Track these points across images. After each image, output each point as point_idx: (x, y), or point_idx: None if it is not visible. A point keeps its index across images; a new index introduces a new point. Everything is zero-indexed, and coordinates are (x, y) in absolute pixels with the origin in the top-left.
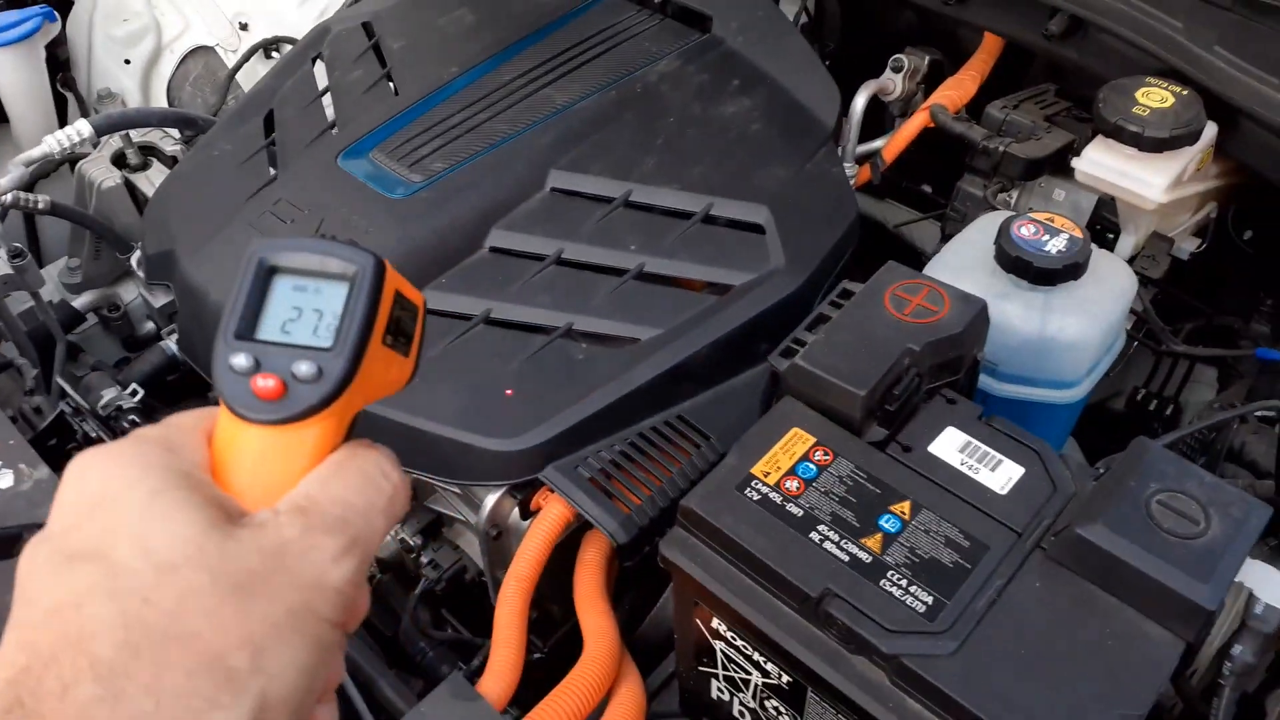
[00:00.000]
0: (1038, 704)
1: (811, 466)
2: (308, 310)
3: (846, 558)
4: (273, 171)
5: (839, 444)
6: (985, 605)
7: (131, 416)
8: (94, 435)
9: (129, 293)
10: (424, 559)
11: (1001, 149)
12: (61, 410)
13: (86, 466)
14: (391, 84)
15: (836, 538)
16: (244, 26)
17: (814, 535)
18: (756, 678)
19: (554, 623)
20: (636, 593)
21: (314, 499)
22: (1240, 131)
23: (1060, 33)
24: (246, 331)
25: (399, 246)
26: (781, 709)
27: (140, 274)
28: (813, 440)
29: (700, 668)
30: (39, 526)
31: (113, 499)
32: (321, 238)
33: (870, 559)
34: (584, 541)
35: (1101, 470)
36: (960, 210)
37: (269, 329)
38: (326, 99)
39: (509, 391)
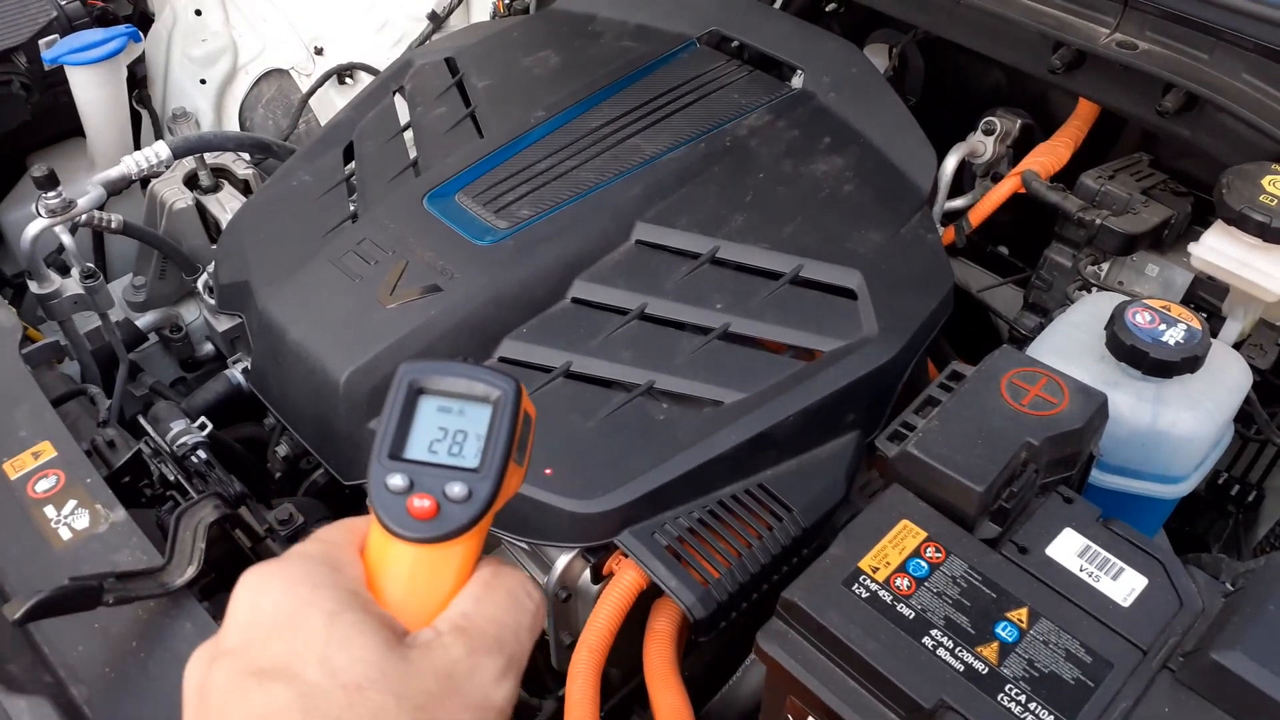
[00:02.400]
0: None
1: (923, 564)
2: (452, 431)
3: (961, 667)
4: (352, 206)
5: (951, 541)
6: None
7: (200, 452)
8: (172, 479)
9: (190, 313)
10: None
11: (1098, 222)
12: (139, 450)
13: (261, 585)
14: (475, 124)
15: (950, 644)
16: (319, 51)
17: (927, 640)
18: None
19: (611, 685)
20: (699, 658)
21: (471, 619)
22: None
23: (1175, 110)
24: (397, 450)
25: (484, 295)
26: None
27: (207, 297)
28: (924, 535)
29: None
30: (119, 577)
31: (292, 619)
32: (464, 361)
33: (986, 670)
34: (655, 609)
35: (1229, 586)
36: (1047, 279)
37: (417, 448)
38: (407, 134)
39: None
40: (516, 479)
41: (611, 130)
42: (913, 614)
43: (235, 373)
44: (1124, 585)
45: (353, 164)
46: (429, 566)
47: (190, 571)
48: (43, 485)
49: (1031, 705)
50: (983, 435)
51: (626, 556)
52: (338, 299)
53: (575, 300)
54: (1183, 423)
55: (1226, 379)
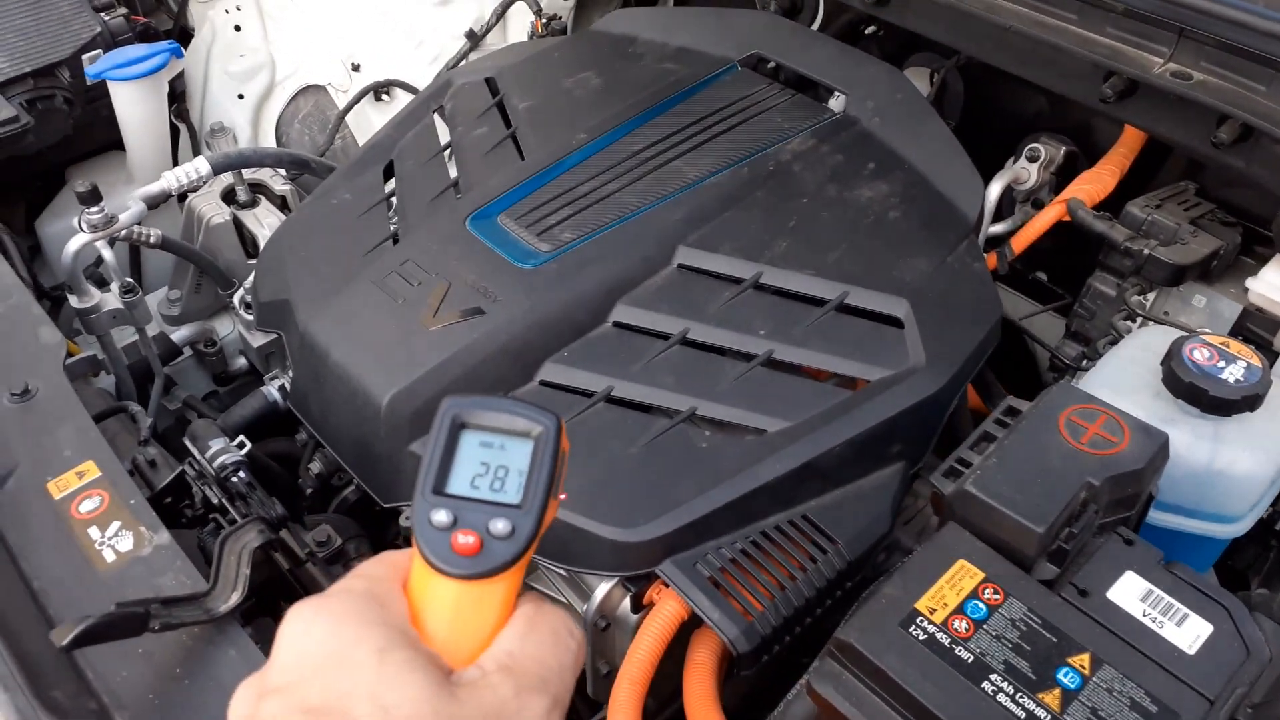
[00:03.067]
0: None
1: (981, 606)
2: (494, 466)
3: (1023, 714)
4: (392, 226)
5: (1010, 582)
6: None
7: (240, 474)
8: (215, 501)
9: (225, 328)
10: None
11: (1146, 252)
12: (182, 472)
13: (308, 621)
14: (516, 145)
15: (1011, 690)
16: (356, 68)
17: (986, 686)
18: None
19: (647, 715)
20: (735, 689)
21: (516, 658)
22: None
23: (1230, 141)
24: (440, 486)
25: (527, 318)
26: None
27: (242, 311)
28: (981, 576)
29: None
30: (165, 603)
31: (341, 656)
32: (506, 396)
33: (1049, 717)
34: (695, 640)
35: None
36: (1090, 308)
37: (459, 483)
38: (447, 154)
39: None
40: (553, 512)
41: (654, 153)
42: (971, 658)
43: (271, 390)
44: (1188, 632)
45: (393, 183)
46: (472, 602)
47: (235, 598)
48: (87, 506)
49: None
50: (1042, 474)
51: (667, 586)
52: (380, 321)
53: (617, 324)
54: (1241, 462)
55: None
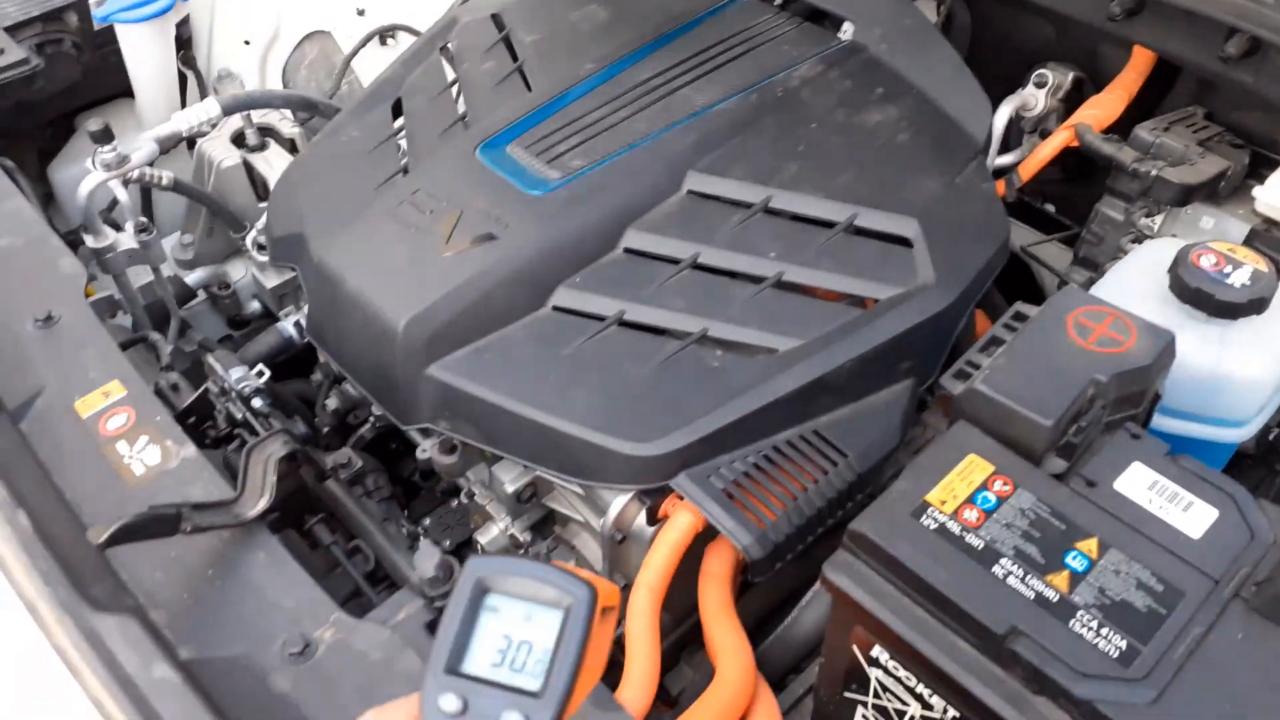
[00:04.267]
0: None
1: (991, 497)
2: (517, 640)
3: (1032, 595)
4: (402, 160)
5: (1019, 474)
6: (1184, 654)
7: (258, 400)
8: (239, 416)
9: (237, 271)
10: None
11: (1154, 173)
12: (206, 389)
13: None
14: (523, 78)
15: (1021, 573)
16: (361, 12)
17: (996, 569)
18: (915, 710)
19: (661, 630)
20: (745, 609)
21: None
22: None
23: (1238, 55)
24: (455, 663)
25: (538, 245)
26: None
27: (255, 254)
28: (991, 469)
29: (847, 693)
30: (196, 507)
31: None
32: (537, 560)
33: (1057, 598)
34: (709, 552)
35: None
36: (1098, 234)
37: (478, 661)
38: (455, 90)
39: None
40: (586, 689)
41: (662, 82)
42: (982, 544)
43: (287, 325)
44: (1194, 518)
45: (401, 119)
46: None
47: (262, 504)
48: (114, 423)
49: (1104, 631)
50: (1050, 372)
51: (682, 499)
52: (394, 248)
53: (628, 250)
54: (1247, 365)
55: None
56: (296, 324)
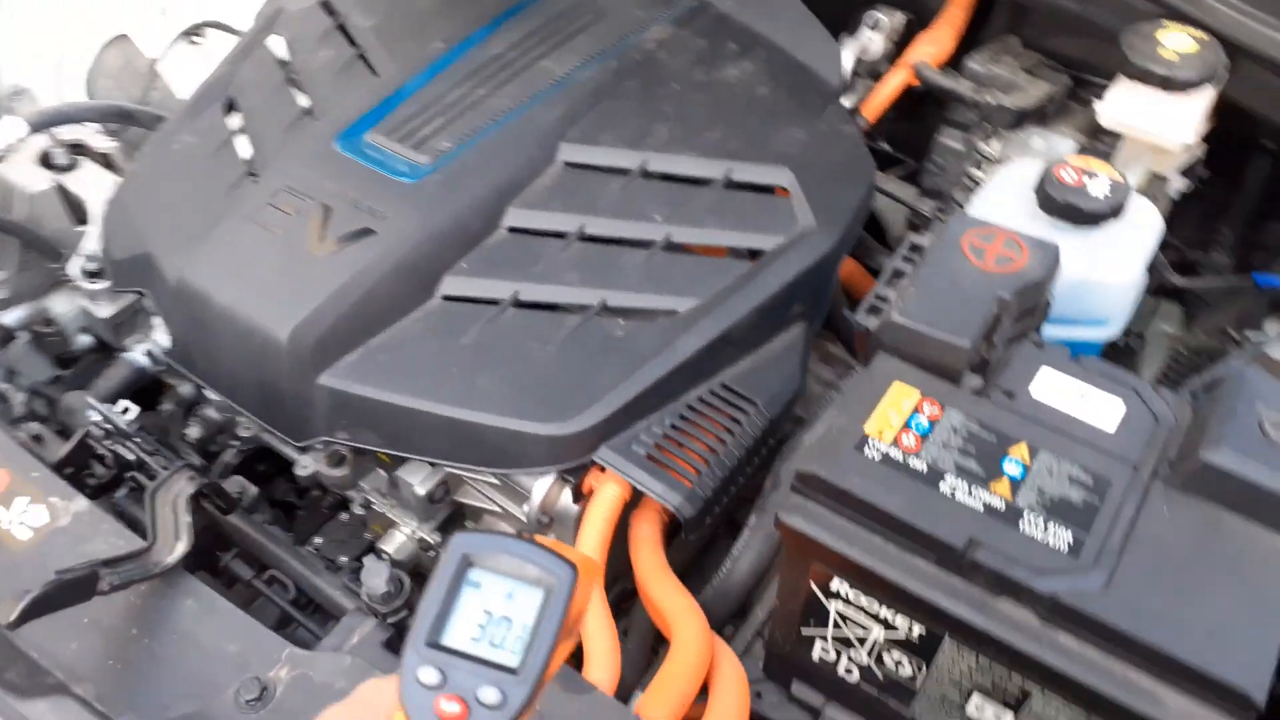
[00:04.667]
0: (1194, 625)
1: (923, 421)
2: (497, 616)
3: (980, 506)
4: (248, 163)
5: (944, 396)
6: (1121, 538)
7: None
8: (131, 458)
9: (60, 304)
10: None
11: (992, 101)
12: (87, 433)
13: None
14: (367, 64)
15: (966, 487)
16: (163, 12)
17: (943, 488)
18: (877, 633)
19: None
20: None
21: None
22: (1240, 72)
23: None
24: (435, 636)
25: (419, 232)
26: (904, 660)
27: (83, 283)
28: (918, 394)
29: (804, 630)
30: (109, 563)
31: None
32: (520, 538)
33: (1004, 505)
34: (636, 519)
35: (1190, 398)
36: (940, 164)
37: (458, 635)
38: (292, 83)
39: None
40: (556, 666)
41: (516, 55)
42: (925, 467)
43: (136, 355)
44: (1105, 412)
45: (237, 120)
46: None
47: (180, 548)
48: None
49: (1050, 527)
50: (957, 296)
51: (603, 471)
52: (262, 255)
53: (511, 229)
54: (1113, 268)
55: (1144, 225)
56: (147, 352)
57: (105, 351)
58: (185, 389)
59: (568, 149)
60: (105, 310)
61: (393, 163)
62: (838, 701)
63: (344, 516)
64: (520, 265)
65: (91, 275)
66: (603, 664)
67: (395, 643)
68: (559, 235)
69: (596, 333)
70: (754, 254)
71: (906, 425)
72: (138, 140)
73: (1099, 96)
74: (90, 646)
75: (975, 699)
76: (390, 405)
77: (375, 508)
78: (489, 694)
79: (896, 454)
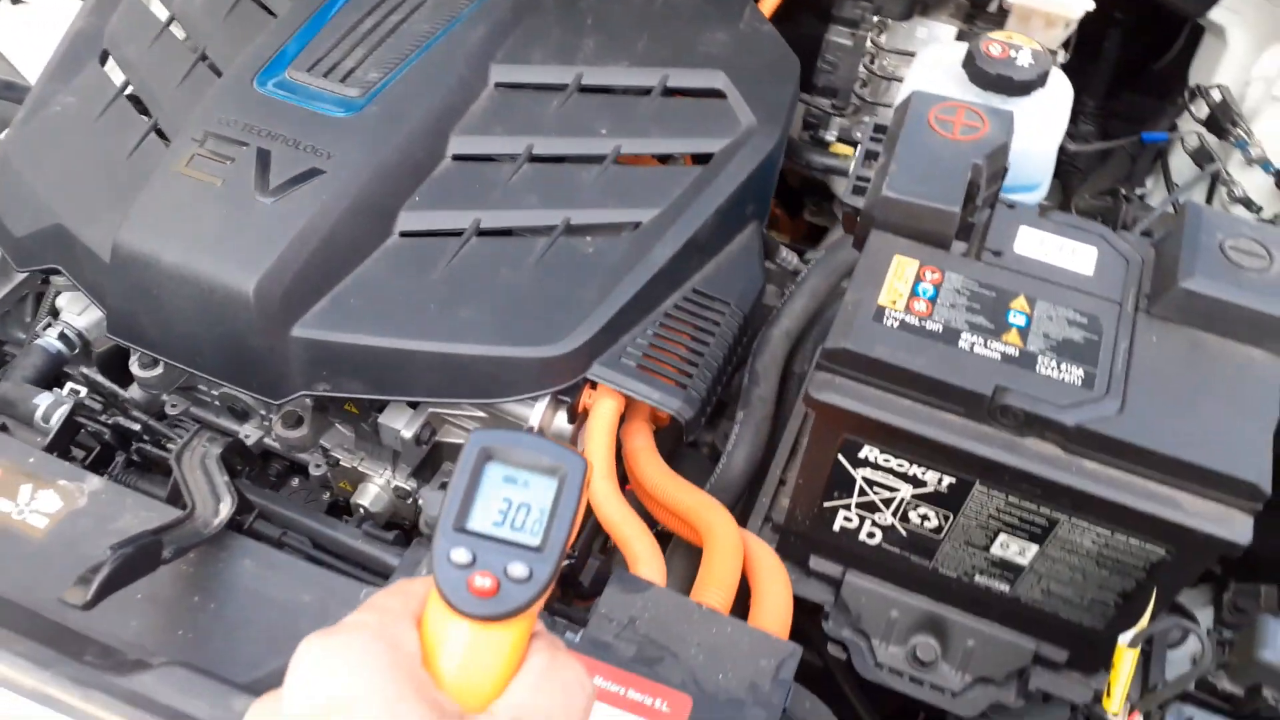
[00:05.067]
0: (1200, 432)
1: (929, 287)
2: (516, 503)
3: (998, 356)
4: (150, 119)
5: (941, 261)
6: (1123, 367)
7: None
8: (136, 428)
9: None
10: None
11: None
12: (75, 409)
13: (322, 660)
14: (257, 2)
15: (982, 341)
16: None
17: (962, 344)
18: (905, 492)
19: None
20: None
21: (528, 710)
22: None
23: None
24: (462, 521)
25: (367, 168)
26: (931, 513)
27: None
28: (917, 263)
29: (827, 503)
30: (161, 531)
31: (354, 702)
32: (533, 432)
33: (1018, 352)
34: (629, 432)
35: (1151, 235)
36: (833, 61)
37: (481, 520)
38: (174, 30)
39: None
40: (571, 541)
41: None
42: (940, 327)
43: (50, 339)
44: (1082, 258)
45: (119, 74)
46: (485, 644)
47: (225, 508)
48: None
49: (1063, 366)
50: (937, 166)
51: (595, 388)
52: (206, 208)
53: (456, 157)
54: (1040, 134)
55: (1061, 91)
56: (61, 335)
57: None
58: (86, 372)
59: (499, 70)
60: None
61: (322, 99)
62: (856, 569)
63: (294, 482)
64: (475, 193)
65: None
66: (650, 561)
67: None
68: (507, 159)
69: (567, 252)
70: (696, 158)
71: (914, 293)
72: None
73: None
74: (153, 622)
75: (1001, 538)
76: (374, 349)
77: (343, 464)
78: (517, 569)
79: (912, 320)
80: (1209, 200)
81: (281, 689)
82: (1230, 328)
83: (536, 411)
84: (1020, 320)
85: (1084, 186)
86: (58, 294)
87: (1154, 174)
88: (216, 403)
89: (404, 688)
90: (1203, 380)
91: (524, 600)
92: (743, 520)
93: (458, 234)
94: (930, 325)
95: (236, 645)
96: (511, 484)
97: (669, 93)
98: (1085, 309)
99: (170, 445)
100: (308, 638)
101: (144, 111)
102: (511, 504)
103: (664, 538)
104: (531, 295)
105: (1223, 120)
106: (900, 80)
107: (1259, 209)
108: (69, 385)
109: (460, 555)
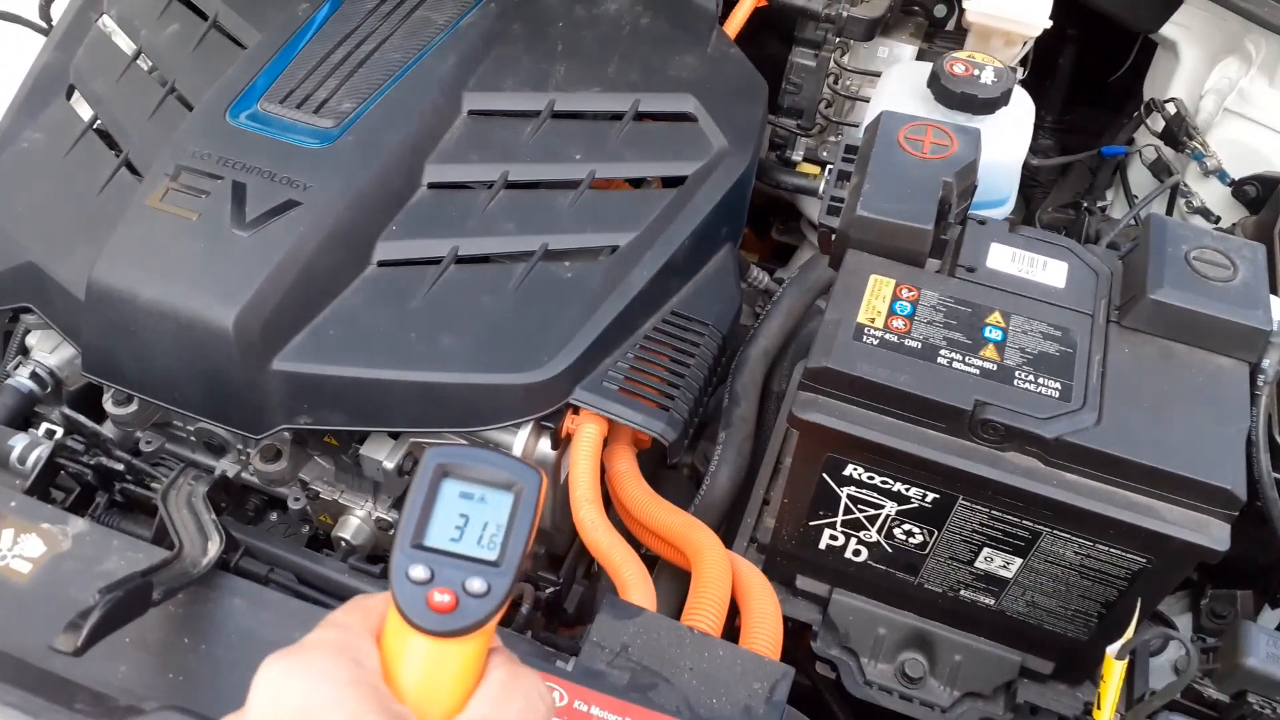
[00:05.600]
0: (1176, 441)
1: (906, 304)
2: (474, 518)
3: (977, 370)
4: (120, 153)
5: (917, 279)
6: (1098, 379)
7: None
8: (120, 468)
9: None
10: None
11: (845, 14)
12: (55, 451)
13: (284, 679)
14: (224, 34)
15: (960, 357)
16: None
17: (940, 360)
18: (890, 508)
19: (560, 552)
20: None
21: None
22: None
23: None
24: (419, 538)
25: (344, 198)
26: (915, 529)
27: None
28: (893, 281)
29: (813, 522)
30: (150, 573)
31: (317, 717)
32: (487, 447)
33: (996, 367)
34: (613, 456)
35: (1118, 248)
36: (796, 83)
37: (438, 536)
38: (140, 64)
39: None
40: (527, 555)
41: (391, 7)
42: (919, 344)
43: (21, 378)
44: (1053, 272)
45: (86, 109)
46: (445, 658)
47: (213, 547)
48: None
49: (1040, 379)
50: (909, 185)
51: (577, 413)
52: (183, 242)
53: (432, 185)
54: (1004, 150)
55: (1024, 107)
56: (33, 374)
57: None
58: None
59: (472, 98)
60: None
61: (296, 130)
62: (843, 587)
63: (272, 517)
64: (451, 221)
65: None
66: (640, 587)
67: None
68: (483, 186)
69: (545, 278)
70: (669, 181)
71: (893, 311)
72: None
73: (928, 4)
74: (143, 666)
75: (985, 551)
76: (355, 380)
77: (323, 496)
78: (476, 584)
79: (891, 337)
80: (1169, 211)
81: (244, 709)
82: (1199, 337)
83: (520, 438)
84: (996, 335)
85: (1046, 200)
86: (27, 332)
87: (1114, 186)
88: (192, 438)
89: (366, 703)
90: (1176, 389)
91: (483, 615)
92: (728, 541)
93: (436, 262)
94: (909, 342)
95: (228, 686)
96: (468, 500)
97: (640, 117)
98: (1058, 322)
99: (154, 484)
100: (269, 657)
101: (113, 146)
102: (468, 520)
103: (648, 560)
104: (511, 321)
105: (1178, 133)
106: (864, 100)
107: (1217, 219)
108: (44, 425)
109: (418, 572)
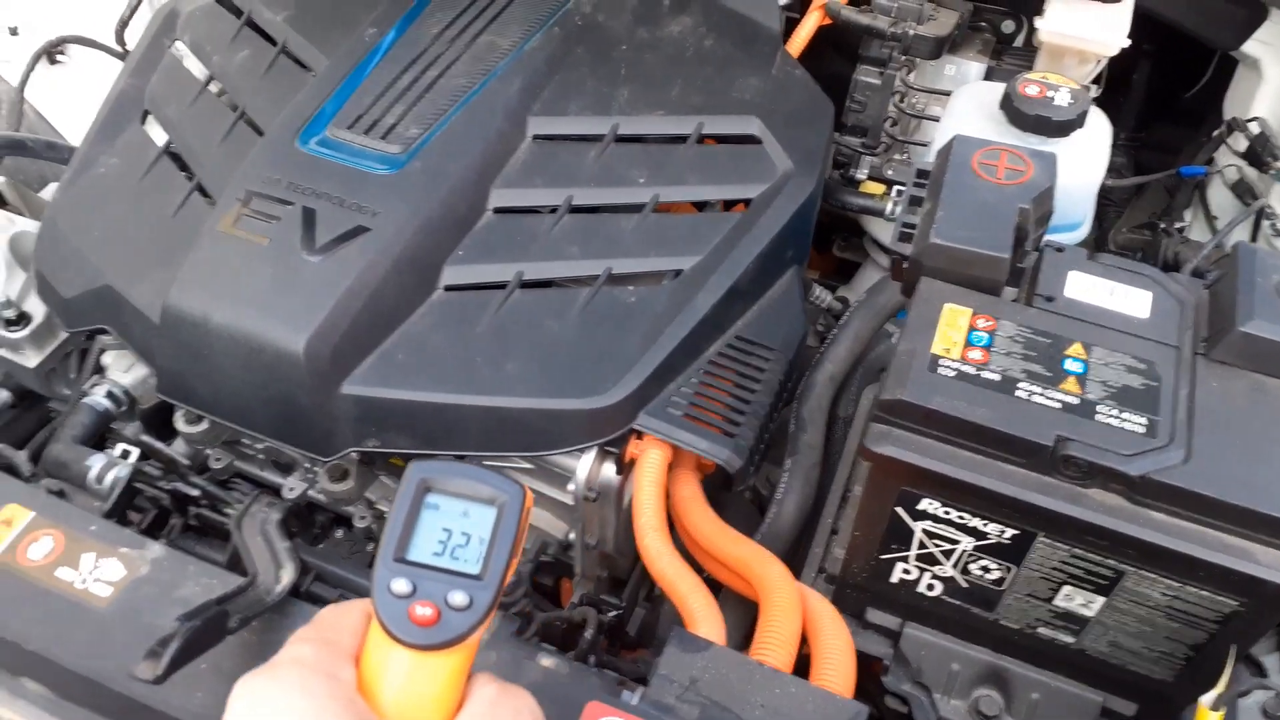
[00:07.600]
0: (1270, 481)
1: (982, 335)
2: (456, 533)
3: (1058, 404)
4: (192, 179)
5: (993, 309)
6: (1186, 414)
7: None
8: (196, 493)
9: None
10: None
11: (911, 32)
12: (134, 477)
13: (260, 697)
14: (293, 59)
15: (1039, 390)
16: (14, 31)
17: (1019, 393)
18: (966, 544)
19: (623, 575)
20: None
21: None
22: None
23: None
24: (402, 552)
25: (412, 224)
26: (993, 565)
27: (3, 332)
28: (969, 311)
29: (884, 556)
30: (226, 600)
31: None
32: (469, 463)
33: (1077, 401)
34: (676, 480)
35: (1204, 278)
36: (861, 101)
37: (421, 550)
38: (213, 88)
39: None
40: (511, 570)
41: (456, 32)
42: (998, 376)
43: (98, 398)
44: (1136, 302)
45: (161, 134)
46: (424, 670)
47: (287, 575)
48: (37, 551)
49: (1124, 415)
50: (984, 212)
51: (641, 439)
52: (254, 267)
53: (498, 210)
54: (1080, 173)
55: (1100, 129)
56: (109, 393)
57: (36, 400)
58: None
59: (536, 122)
60: (31, 358)
61: (365, 156)
62: (915, 620)
63: (338, 534)
64: (517, 245)
65: (10, 323)
66: (709, 619)
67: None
68: (548, 210)
69: (610, 302)
70: (731, 204)
71: (969, 341)
72: (21, 173)
73: (996, 21)
74: (219, 693)
75: (1065, 589)
76: (421, 404)
77: (387, 515)
78: (458, 598)
79: (968, 369)
80: (1254, 235)
81: None
82: None
83: (584, 463)
84: (1077, 367)
85: (1120, 221)
86: (102, 351)
87: (1192, 207)
88: (261, 456)
89: (344, 716)
90: (1268, 426)
91: (465, 628)
92: (795, 570)
93: (501, 286)
94: (987, 374)
95: None
96: (451, 514)
97: (704, 139)
98: (1142, 354)
99: (228, 510)
100: (243, 677)
101: (185, 169)
102: (451, 534)
103: (711, 584)
104: (576, 346)
105: (1262, 153)
106: (932, 118)
107: None
108: (120, 446)
109: (400, 585)
